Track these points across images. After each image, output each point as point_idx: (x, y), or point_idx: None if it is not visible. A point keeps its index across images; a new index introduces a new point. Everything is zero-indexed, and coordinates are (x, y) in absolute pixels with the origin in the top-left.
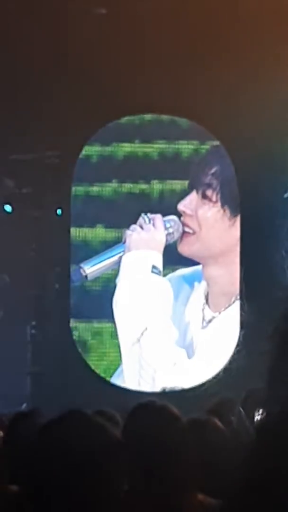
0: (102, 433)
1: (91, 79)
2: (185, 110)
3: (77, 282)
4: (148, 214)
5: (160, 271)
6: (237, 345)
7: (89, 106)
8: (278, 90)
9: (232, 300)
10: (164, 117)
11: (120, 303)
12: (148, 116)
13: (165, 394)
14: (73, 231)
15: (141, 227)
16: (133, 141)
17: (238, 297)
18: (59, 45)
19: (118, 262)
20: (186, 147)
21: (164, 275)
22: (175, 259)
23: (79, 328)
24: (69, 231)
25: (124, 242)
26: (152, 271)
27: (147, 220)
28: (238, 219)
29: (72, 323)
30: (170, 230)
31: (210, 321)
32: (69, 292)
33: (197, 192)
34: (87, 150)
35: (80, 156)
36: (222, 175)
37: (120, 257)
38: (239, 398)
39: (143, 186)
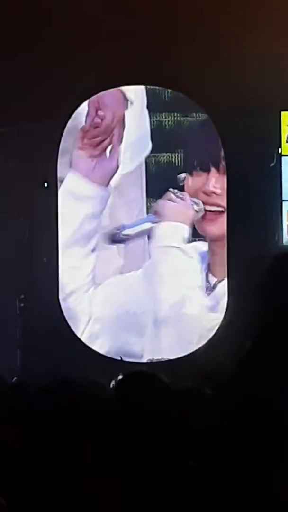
0: (94, 402)
1: (73, 49)
2: (168, 80)
3: (113, 243)
4: (176, 190)
5: None
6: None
7: (72, 78)
8: (267, 61)
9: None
10: (147, 87)
11: (154, 274)
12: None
13: (154, 364)
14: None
15: (172, 201)
16: None
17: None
18: (40, 11)
19: (148, 232)
20: (168, 119)
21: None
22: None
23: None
24: (57, 204)
25: (154, 214)
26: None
27: (178, 194)
28: None
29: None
30: (196, 208)
31: (214, 287)
32: (58, 264)
33: (217, 170)
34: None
35: (66, 128)
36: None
37: (151, 227)
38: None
39: None
